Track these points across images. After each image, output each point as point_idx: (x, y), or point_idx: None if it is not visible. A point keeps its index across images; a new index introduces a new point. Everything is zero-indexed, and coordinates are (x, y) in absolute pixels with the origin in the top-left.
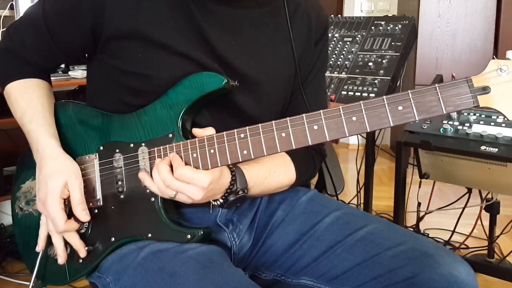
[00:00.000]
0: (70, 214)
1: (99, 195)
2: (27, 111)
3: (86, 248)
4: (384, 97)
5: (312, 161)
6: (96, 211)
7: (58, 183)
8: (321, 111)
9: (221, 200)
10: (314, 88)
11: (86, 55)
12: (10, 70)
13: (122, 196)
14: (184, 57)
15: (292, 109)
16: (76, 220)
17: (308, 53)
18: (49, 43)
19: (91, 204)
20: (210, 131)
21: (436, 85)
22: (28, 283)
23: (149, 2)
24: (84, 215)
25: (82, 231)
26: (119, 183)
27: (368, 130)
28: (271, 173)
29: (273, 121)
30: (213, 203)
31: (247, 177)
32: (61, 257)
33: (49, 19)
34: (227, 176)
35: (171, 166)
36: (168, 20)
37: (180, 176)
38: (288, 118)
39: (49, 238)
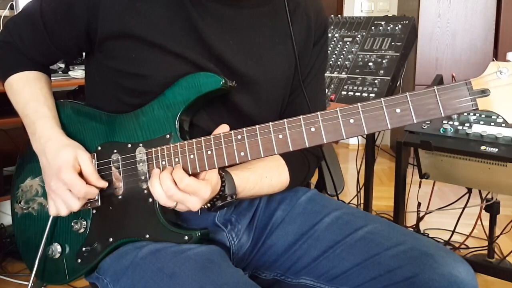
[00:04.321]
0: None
1: (97, 195)
2: (30, 102)
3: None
4: (382, 99)
5: (307, 165)
6: (94, 211)
7: (69, 155)
8: (318, 113)
9: (208, 205)
10: (313, 89)
11: (84, 53)
12: (11, 63)
13: (120, 197)
14: (178, 57)
15: (293, 110)
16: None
17: (307, 53)
18: (46, 40)
19: (89, 204)
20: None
21: (435, 87)
22: (28, 283)
23: (144, 2)
24: (100, 182)
25: (81, 231)
26: (117, 183)
27: (366, 133)
28: (263, 178)
29: (270, 123)
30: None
31: (237, 183)
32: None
33: (46, 17)
34: (218, 181)
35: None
36: (162, 20)
37: (185, 187)
38: (285, 120)
39: (49, 238)
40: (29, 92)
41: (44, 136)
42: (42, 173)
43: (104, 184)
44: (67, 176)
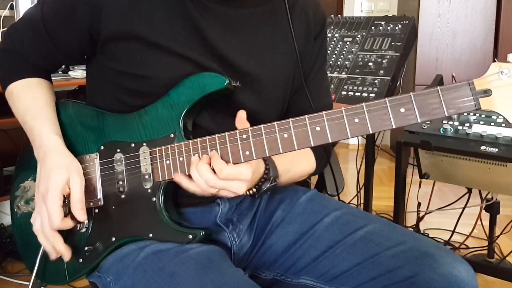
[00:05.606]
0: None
1: (99, 194)
2: (30, 108)
3: (85, 248)
4: (386, 99)
5: (326, 150)
6: (97, 210)
7: (61, 178)
8: (323, 112)
9: (254, 190)
10: (317, 83)
11: (85, 56)
12: (11, 70)
13: (123, 196)
14: (182, 57)
15: (297, 107)
16: (73, 218)
17: (308, 50)
18: (48, 44)
19: (92, 203)
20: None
21: (438, 87)
22: (28, 283)
23: (146, 3)
24: (81, 214)
25: (83, 230)
26: (120, 182)
27: (371, 132)
28: (295, 161)
29: (275, 122)
30: (245, 193)
31: (277, 165)
32: (53, 255)
33: (48, 21)
34: (262, 165)
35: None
36: (165, 21)
37: (226, 176)
38: (290, 119)
39: None
40: (29, 98)
41: (42, 147)
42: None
43: (83, 218)
44: (50, 202)
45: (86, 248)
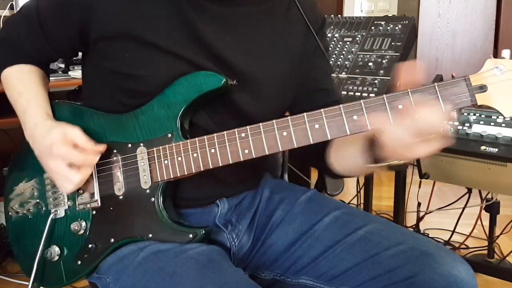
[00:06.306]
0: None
1: (97, 196)
2: (24, 92)
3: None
4: (384, 95)
5: None
6: (95, 212)
7: (57, 133)
8: (322, 110)
9: None
10: (329, 80)
11: (80, 54)
12: (7, 57)
13: (121, 197)
14: (176, 57)
15: (314, 102)
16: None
17: (306, 49)
18: (41, 38)
19: (89, 205)
20: None
21: (435, 84)
22: (27, 283)
23: (142, 2)
24: (98, 146)
25: (81, 232)
26: (118, 184)
27: (369, 129)
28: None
29: (274, 120)
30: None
31: None
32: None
33: (42, 16)
34: None
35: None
36: (159, 20)
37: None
38: (289, 117)
39: (47, 240)
40: (22, 83)
41: (32, 123)
42: (40, 160)
43: (102, 147)
44: (60, 150)
45: (84, 250)
